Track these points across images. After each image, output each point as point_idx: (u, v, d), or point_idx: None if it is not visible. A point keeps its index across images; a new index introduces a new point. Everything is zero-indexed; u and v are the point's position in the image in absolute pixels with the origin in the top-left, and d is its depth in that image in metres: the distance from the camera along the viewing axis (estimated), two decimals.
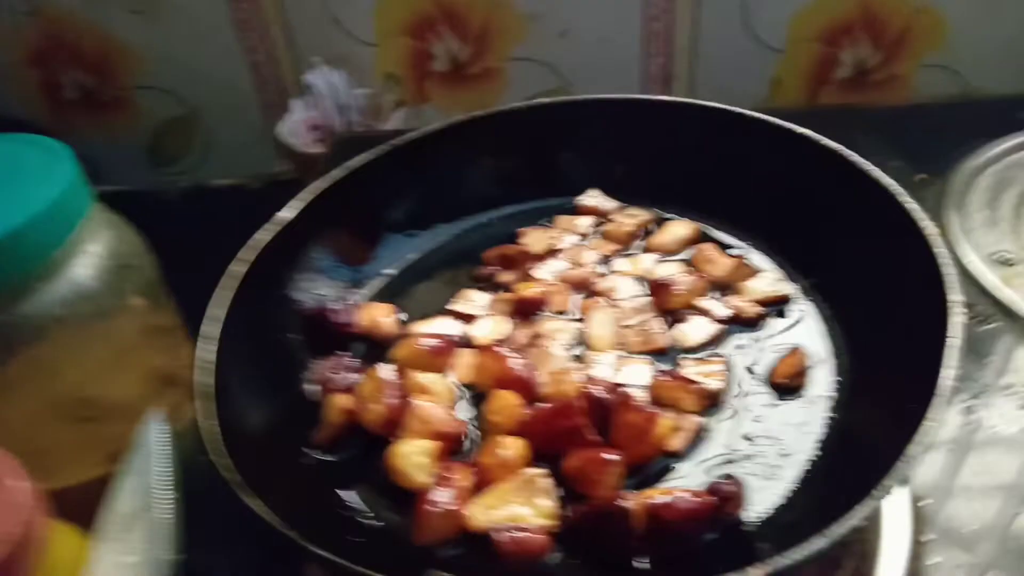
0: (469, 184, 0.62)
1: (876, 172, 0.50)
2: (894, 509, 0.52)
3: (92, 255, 0.63)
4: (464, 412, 0.49)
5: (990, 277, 0.68)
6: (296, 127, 0.99)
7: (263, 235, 0.52)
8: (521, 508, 0.43)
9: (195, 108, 1.06)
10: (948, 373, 0.38)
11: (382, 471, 0.45)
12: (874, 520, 0.49)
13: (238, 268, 0.50)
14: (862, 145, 0.75)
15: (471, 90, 1.02)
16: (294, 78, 1.03)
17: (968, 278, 0.68)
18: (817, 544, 0.33)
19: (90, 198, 0.63)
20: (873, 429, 0.43)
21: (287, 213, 0.53)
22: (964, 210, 0.75)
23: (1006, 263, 0.70)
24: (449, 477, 0.43)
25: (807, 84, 0.99)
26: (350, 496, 0.46)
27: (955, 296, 0.41)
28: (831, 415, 0.46)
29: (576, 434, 0.44)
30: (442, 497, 0.42)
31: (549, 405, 0.46)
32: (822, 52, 0.97)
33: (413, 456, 0.44)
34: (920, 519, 0.52)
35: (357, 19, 0.98)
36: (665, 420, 0.45)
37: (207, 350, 0.45)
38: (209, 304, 0.48)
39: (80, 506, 0.49)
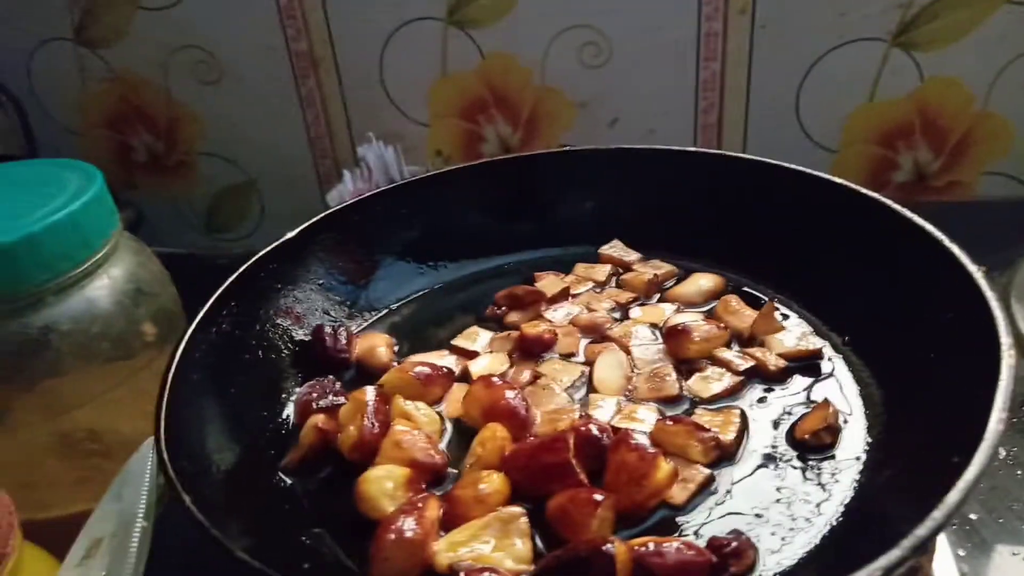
0: (485, 226, 0.60)
1: (919, 220, 0.45)
2: None
3: (110, 278, 0.64)
4: (449, 449, 0.45)
5: None
6: (345, 197, 1.01)
7: (263, 252, 0.50)
8: (492, 549, 0.37)
9: (253, 177, 1.10)
10: (998, 417, 0.32)
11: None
12: None
13: (230, 281, 0.48)
14: None
15: None
16: (349, 153, 1.06)
17: None
18: None
19: (115, 221, 0.64)
20: (906, 492, 0.36)
21: (290, 233, 0.52)
22: None
23: None
24: (416, 506, 0.38)
25: (863, 186, 0.96)
26: (319, 532, 0.41)
27: (1005, 338, 0.36)
28: (859, 477, 0.40)
29: (563, 471, 0.39)
30: (404, 526, 0.37)
31: (536, 441, 0.41)
32: (878, 155, 0.94)
33: (383, 481, 0.40)
34: None
35: (412, 100, 1.02)
36: (666, 465, 0.39)
37: (172, 365, 0.43)
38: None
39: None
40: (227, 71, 1.01)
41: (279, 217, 1.12)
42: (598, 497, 0.37)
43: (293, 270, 0.53)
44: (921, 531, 0.28)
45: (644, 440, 0.40)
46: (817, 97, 0.90)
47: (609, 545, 0.34)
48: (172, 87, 1.04)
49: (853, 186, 0.50)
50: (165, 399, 0.40)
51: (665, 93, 0.94)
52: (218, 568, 0.47)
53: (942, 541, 0.48)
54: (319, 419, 0.44)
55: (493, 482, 0.40)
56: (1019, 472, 0.54)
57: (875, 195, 0.49)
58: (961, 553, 0.48)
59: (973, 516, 0.51)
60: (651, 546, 0.35)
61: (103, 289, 0.62)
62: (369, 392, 0.45)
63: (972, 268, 0.40)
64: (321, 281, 0.55)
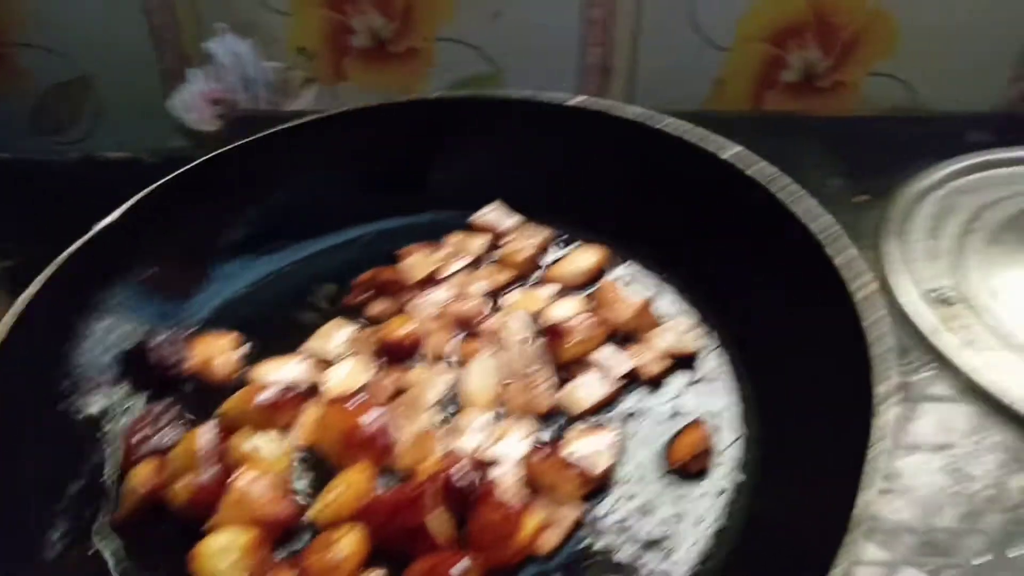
0: (337, 193, 0.52)
1: (809, 215, 0.42)
2: None
3: None
4: (304, 484, 0.41)
5: (927, 319, 0.61)
6: (193, 100, 0.88)
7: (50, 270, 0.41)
8: None
9: (85, 72, 0.95)
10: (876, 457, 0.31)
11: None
12: None
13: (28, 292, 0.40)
14: (804, 156, 0.68)
15: (393, 70, 0.92)
16: (197, 46, 0.92)
17: (904, 321, 0.62)
18: None
19: None
20: (790, 519, 0.35)
21: (77, 244, 0.43)
22: (905, 238, 0.68)
23: (945, 302, 0.63)
24: None
25: (751, 87, 0.91)
26: None
27: (884, 387, 0.34)
28: (740, 504, 0.39)
29: (422, 535, 0.36)
30: None
31: (393, 495, 0.37)
32: (769, 53, 0.90)
33: (225, 555, 0.36)
34: None
35: None
36: (532, 519, 0.37)
37: None
38: None
39: None
40: None
41: (118, 118, 0.99)
42: (463, 565, 0.35)
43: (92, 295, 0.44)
44: None
45: (509, 489, 0.37)
46: None
47: None
48: None
49: (738, 166, 0.46)
50: None
51: None
52: None
53: None
54: (148, 470, 0.38)
55: (348, 544, 0.36)
56: None
57: (762, 181, 0.44)
58: None
59: None
60: None
61: None
62: (202, 435, 0.39)
63: (848, 276, 0.38)
64: (131, 303, 0.46)
